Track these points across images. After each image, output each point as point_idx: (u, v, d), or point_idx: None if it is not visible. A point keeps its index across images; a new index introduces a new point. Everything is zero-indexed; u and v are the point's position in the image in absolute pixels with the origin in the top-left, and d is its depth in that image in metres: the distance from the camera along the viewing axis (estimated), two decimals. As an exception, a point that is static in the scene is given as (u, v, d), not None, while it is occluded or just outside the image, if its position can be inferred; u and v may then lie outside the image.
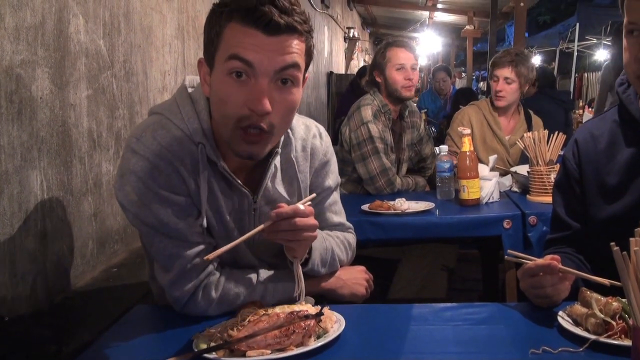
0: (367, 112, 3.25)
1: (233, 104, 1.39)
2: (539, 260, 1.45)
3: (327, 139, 1.77)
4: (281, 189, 1.63)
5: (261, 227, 1.44)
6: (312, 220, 1.48)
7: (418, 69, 3.48)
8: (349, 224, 1.87)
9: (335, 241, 1.74)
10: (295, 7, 1.40)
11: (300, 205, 1.45)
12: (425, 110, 7.79)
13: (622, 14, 1.54)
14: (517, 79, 3.50)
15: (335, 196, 1.82)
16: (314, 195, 1.61)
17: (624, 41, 1.52)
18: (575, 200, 1.74)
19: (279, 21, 1.36)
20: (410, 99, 3.44)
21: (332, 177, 1.78)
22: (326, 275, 1.71)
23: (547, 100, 5.04)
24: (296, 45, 1.41)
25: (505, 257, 1.60)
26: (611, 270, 1.20)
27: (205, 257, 1.44)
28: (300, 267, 1.57)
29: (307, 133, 1.71)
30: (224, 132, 1.46)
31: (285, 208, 1.44)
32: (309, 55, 1.47)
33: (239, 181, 1.55)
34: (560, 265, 1.43)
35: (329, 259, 1.68)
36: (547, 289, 1.44)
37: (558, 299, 1.47)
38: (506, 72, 3.50)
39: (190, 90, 1.56)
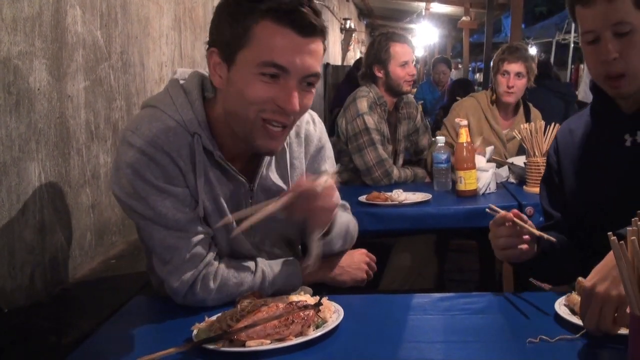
0: (363, 104, 3.27)
1: (261, 99, 1.41)
2: (504, 213, 1.57)
3: (320, 125, 1.78)
4: (277, 176, 1.64)
5: (284, 199, 1.44)
6: (329, 200, 1.51)
7: None
8: (347, 205, 1.89)
9: (348, 217, 1.79)
10: (320, 10, 1.44)
11: (321, 182, 1.46)
12: (422, 101, 7.78)
13: (576, 26, 1.61)
14: (527, 74, 3.50)
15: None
16: (334, 170, 1.65)
17: (584, 49, 1.59)
18: (557, 193, 1.80)
19: (315, 23, 1.39)
20: (409, 93, 3.47)
21: (329, 162, 1.79)
22: (325, 264, 1.72)
23: (543, 93, 5.01)
24: (321, 49, 1.45)
25: (486, 210, 1.71)
26: (596, 258, 1.27)
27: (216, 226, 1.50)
28: (317, 239, 1.54)
29: (300, 119, 1.71)
30: (242, 126, 1.46)
31: (304, 183, 1.46)
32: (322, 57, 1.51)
33: (235, 169, 1.56)
34: (514, 218, 1.54)
35: (344, 234, 1.73)
36: (501, 240, 1.57)
37: (512, 254, 1.58)
38: (518, 67, 3.47)
39: (182, 82, 1.56)
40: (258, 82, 1.40)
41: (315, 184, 1.45)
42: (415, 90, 8.94)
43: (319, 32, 1.42)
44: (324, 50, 1.49)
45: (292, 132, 1.68)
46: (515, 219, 1.54)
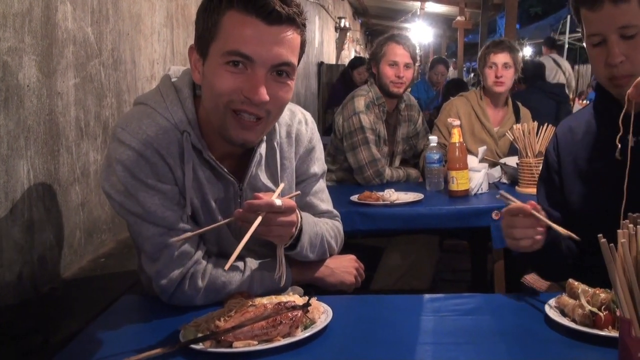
0: (360, 103, 3.28)
1: (227, 90, 1.40)
2: (520, 203, 1.55)
3: (312, 125, 1.77)
4: (267, 176, 1.63)
5: (256, 222, 1.38)
6: (288, 217, 1.46)
7: (414, 67, 3.48)
8: (336, 212, 1.87)
9: (325, 227, 1.73)
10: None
11: (277, 201, 1.41)
12: (417, 100, 7.77)
13: (581, 28, 1.61)
14: (514, 65, 3.53)
15: (322, 184, 1.81)
16: (298, 192, 1.62)
17: (589, 51, 1.60)
18: (556, 191, 1.79)
19: (280, 11, 1.37)
20: (399, 96, 3.44)
21: (318, 164, 1.77)
22: (314, 264, 1.71)
23: (536, 93, 5.03)
24: (293, 38, 1.43)
25: (497, 196, 1.69)
26: (596, 257, 1.24)
27: (170, 241, 1.44)
28: (282, 250, 1.54)
29: (292, 119, 1.70)
30: (216, 119, 1.46)
31: (258, 201, 1.40)
32: (302, 49, 1.49)
33: (225, 169, 1.55)
34: (532, 210, 1.53)
35: (318, 244, 1.67)
36: (516, 231, 1.56)
37: (525, 244, 1.56)
38: (504, 57, 3.51)
39: (173, 79, 1.55)
40: (224, 72, 1.40)
41: (271, 201, 1.40)
42: (409, 90, 8.91)
43: (287, 19, 1.40)
44: (302, 39, 1.47)
45: (283, 132, 1.67)
46: (534, 212, 1.53)
